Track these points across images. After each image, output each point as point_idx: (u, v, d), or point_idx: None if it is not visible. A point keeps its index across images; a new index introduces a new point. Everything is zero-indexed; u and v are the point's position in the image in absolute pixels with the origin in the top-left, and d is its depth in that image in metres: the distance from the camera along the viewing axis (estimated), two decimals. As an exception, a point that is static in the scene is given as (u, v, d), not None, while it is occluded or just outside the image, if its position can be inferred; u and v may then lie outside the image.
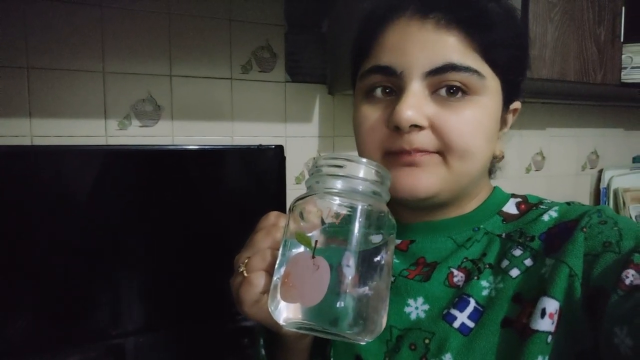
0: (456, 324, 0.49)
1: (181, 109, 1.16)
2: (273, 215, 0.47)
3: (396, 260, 0.57)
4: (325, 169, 0.40)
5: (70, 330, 0.94)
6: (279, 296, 0.38)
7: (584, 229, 0.47)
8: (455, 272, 0.53)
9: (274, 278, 0.40)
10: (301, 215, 0.40)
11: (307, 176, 1.30)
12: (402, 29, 0.51)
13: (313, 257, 0.38)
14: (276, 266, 0.40)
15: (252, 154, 1.06)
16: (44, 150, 0.92)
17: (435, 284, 0.53)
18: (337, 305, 0.36)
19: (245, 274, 0.43)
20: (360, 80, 0.55)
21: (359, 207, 0.39)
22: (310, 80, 1.29)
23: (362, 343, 0.40)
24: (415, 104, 0.48)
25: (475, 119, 0.50)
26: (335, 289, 0.37)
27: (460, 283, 0.52)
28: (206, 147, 1.04)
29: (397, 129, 0.49)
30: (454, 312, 0.50)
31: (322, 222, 0.40)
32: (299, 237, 0.39)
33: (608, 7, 1.19)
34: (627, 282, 0.40)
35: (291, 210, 0.42)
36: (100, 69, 1.07)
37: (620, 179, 1.80)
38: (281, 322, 0.39)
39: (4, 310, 0.88)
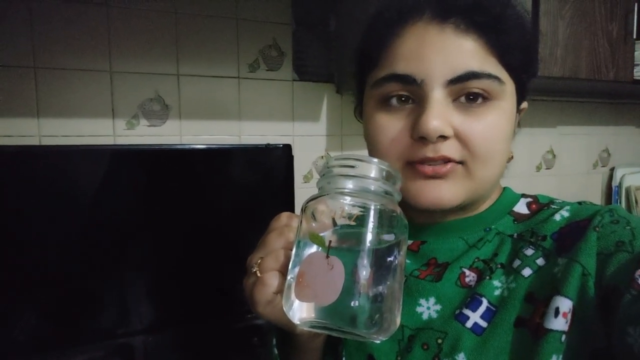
0: (469, 324, 0.49)
1: (189, 108, 1.16)
2: (285, 216, 0.47)
3: (407, 261, 0.57)
4: (337, 169, 0.40)
5: (78, 330, 0.94)
6: (293, 296, 0.39)
7: (597, 229, 0.47)
8: (467, 272, 0.53)
9: (288, 278, 0.40)
10: (313, 216, 0.40)
11: (315, 175, 1.30)
12: (420, 34, 0.49)
13: (327, 256, 0.38)
14: (290, 266, 0.40)
15: (260, 153, 1.06)
16: (52, 150, 0.92)
17: (447, 284, 0.53)
18: (352, 304, 0.37)
19: (259, 275, 0.43)
20: (374, 88, 0.53)
21: (372, 207, 0.39)
22: (317, 79, 1.28)
23: (376, 342, 0.41)
24: (441, 114, 0.47)
25: (497, 124, 0.49)
26: (350, 288, 0.37)
27: (472, 283, 0.52)
28: (214, 146, 1.03)
29: (422, 139, 0.48)
30: (467, 312, 0.50)
31: (334, 223, 0.40)
32: (313, 237, 0.39)
33: (620, 4, 1.18)
34: None
35: (303, 210, 0.42)
36: (107, 69, 1.07)
37: (632, 177, 1.77)
38: (296, 321, 0.39)
39: (11, 309, 0.89)
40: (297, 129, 1.27)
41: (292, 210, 1.07)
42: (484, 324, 0.48)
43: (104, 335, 0.96)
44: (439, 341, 0.49)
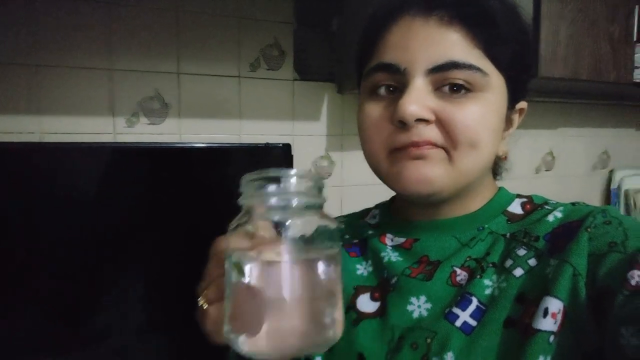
0: (458, 323, 0.49)
1: (189, 107, 1.16)
2: (220, 240, 0.45)
3: (399, 258, 0.57)
4: (255, 186, 0.39)
5: (74, 331, 0.94)
6: (230, 328, 0.37)
7: (589, 229, 0.47)
8: (459, 271, 0.53)
9: (226, 308, 0.38)
10: (237, 239, 0.39)
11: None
12: (406, 26, 0.51)
13: (247, 285, 0.36)
14: (225, 295, 0.39)
15: (259, 152, 1.05)
16: (52, 148, 0.93)
17: (437, 282, 0.53)
18: (283, 328, 0.35)
19: (204, 307, 0.42)
20: (365, 78, 0.55)
21: (291, 222, 0.37)
22: (318, 78, 1.28)
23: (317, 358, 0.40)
24: (419, 99, 0.48)
25: (480, 114, 0.50)
26: (277, 313, 0.35)
27: (463, 282, 0.52)
28: (213, 145, 1.03)
29: (401, 125, 0.49)
30: (456, 310, 0.50)
31: (259, 243, 0.38)
32: (234, 265, 0.37)
33: (621, 6, 1.18)
34: (633, 282, 0.40)
35: (228, 232, 0.40)
36: (108, 67, 1.07)
37: (631, 180, 1.77)
38: (243, 353, 0.37)
39: (9, 310, 0.88)
40: (297, 128, 1.27)
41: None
42: (473, 323, 0.48)
43: (101, 336, 0.96)
44: (428, 340, 0.49)
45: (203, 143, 1.02)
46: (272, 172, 0.38)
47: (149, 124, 1.12)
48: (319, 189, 0.39)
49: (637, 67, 1.24)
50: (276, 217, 0.37)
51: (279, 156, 1.06)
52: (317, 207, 0.39)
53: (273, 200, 0.37)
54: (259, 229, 0.38)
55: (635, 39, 1.22)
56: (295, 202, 0.37)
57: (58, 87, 1.04)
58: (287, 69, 1.25)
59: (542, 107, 1.61)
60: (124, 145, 1.01)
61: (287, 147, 1.07)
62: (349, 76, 1.23)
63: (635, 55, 1.23)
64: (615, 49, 1.18)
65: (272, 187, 0.38)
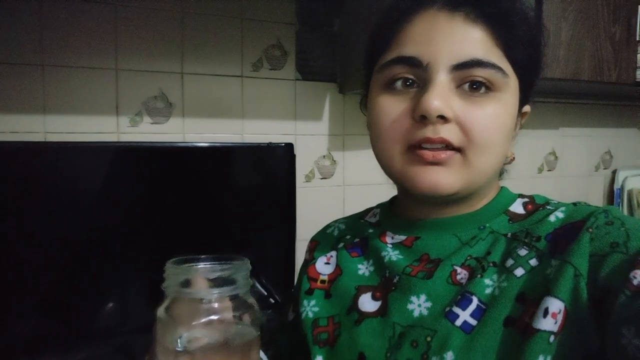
0: (458, 322, 0.49)
1: (192, 106, 1.16)
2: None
3: (400, 257, 0.57)
4: (178, 276, 0.39)
5: (78, 328, 0.94)
6: None
7: (590, 230, 0.47)
8: (459, 269, 0.53)
9: None
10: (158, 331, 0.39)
11: (317, 174, 1.30)
12: (430, 20, 0.50)
13: None
14: None
15: (262, 152, 1.06)
16: (56, 147, 0.93)
17: (438, 281, 0.53)
18: None
19: None
20: (380, 71, 0.54)
21: (212, 314, 0.38)
22: (320, 78, 1.29)
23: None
24: (443, 95, 0.48)
25: (497, 115, 0.50)
26: None
27: (464, 281, 0.52)
28: (216, 144, 1.04)
29: (422, 119, 0.49)
30: (456, 310, 0.49)
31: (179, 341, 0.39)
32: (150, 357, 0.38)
33: (623, 6, 1.18)
34: (635, 282, 0.40)
35: (156, 319, 0.40)
36: (113, 67, 1.08)
37: (634, 180, 1.77)
38: None
39: (12, 308, 0.89)
40: (299, 128, 1.28)
41: (293, 209, 1.07)
42: (473, 322, 0.48)
43: (105, 333, 0.96)
44: (428, 339, 0.49)
45: (206, 142, 1.03)
46: (196, 263, 0.39)
47: (153, 123, 1.13)
48: (244, 276, 0.40)
49: (639, 67, 1.24)
50: (199, 310, 0.38)
51: (282, 155, 1.07)
52: (241, 295, 0.39)
53: (195, 292, 0.38)
54: (179, 319, 0.38)
55: (638, 39, 1.22)
56: (216, 294, 0.38)
57: (63, 87, 1.05)
58: (289, 69, 1.25)
59: (544, 107, 1.61)
60: (128, 144, 1.01)
61: (289, 147, 1.07)
62: (351, 76, 1.24)
63: (638, 55, 1.23)
64: (617, 50, 1.18)
65: (194, 276, 0.38)
